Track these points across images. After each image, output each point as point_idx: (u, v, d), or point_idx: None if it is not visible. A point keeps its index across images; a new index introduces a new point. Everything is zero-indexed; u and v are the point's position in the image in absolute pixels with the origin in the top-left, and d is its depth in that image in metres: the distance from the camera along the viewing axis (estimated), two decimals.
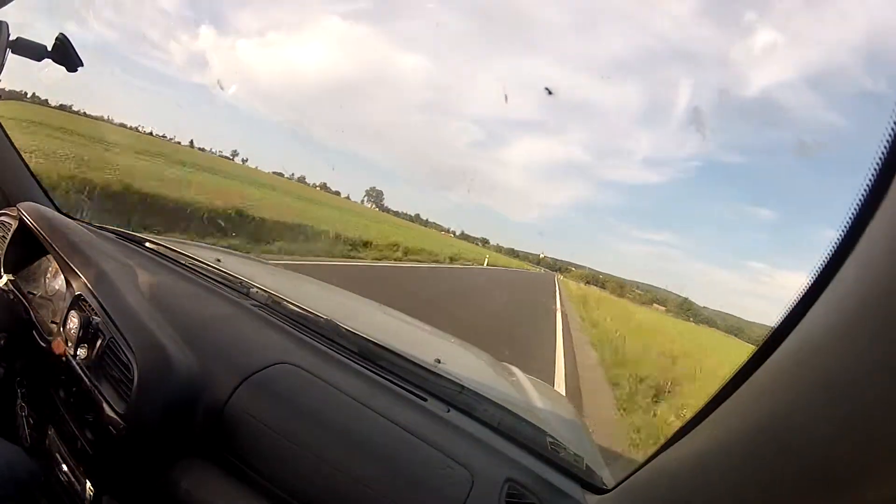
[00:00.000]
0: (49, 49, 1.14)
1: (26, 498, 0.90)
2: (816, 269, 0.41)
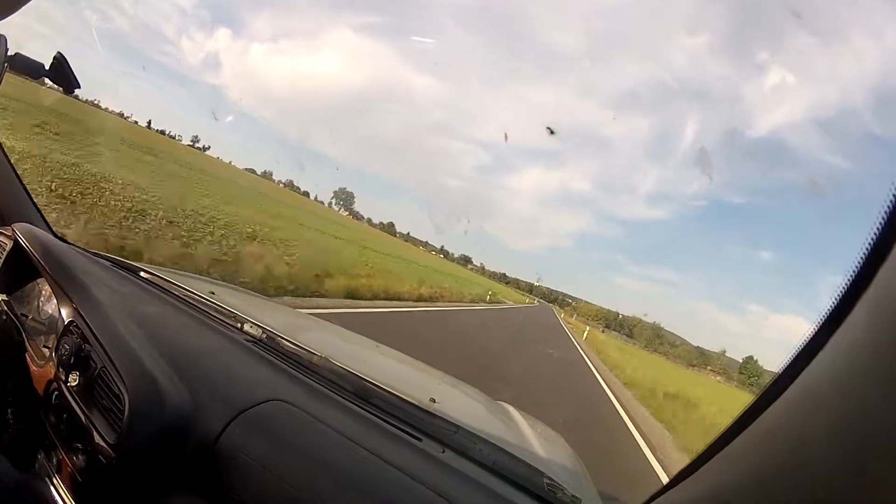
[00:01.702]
0: (47, 68, 1.13)
1: None
2: (826, 311, 0.40)
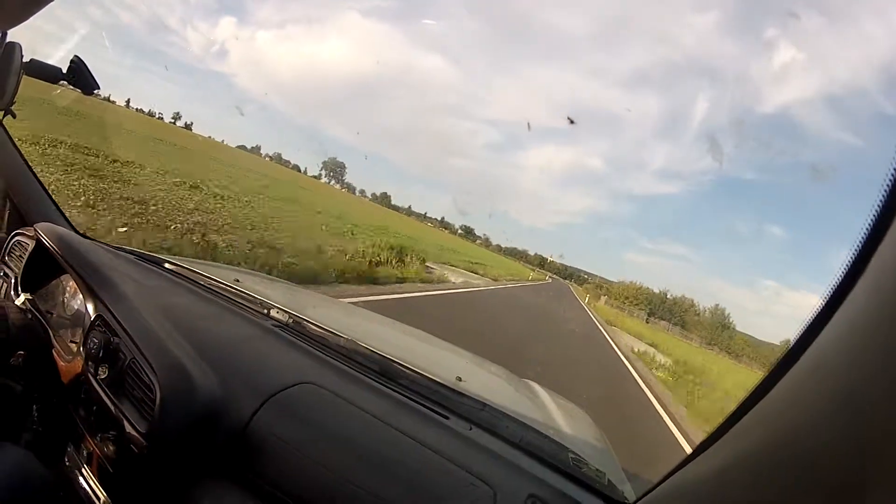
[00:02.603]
0: (64, 71, 1.16)
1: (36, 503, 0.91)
2: (831, 286, 0.41)
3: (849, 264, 0.40)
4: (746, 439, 0.47)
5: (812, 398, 0.40)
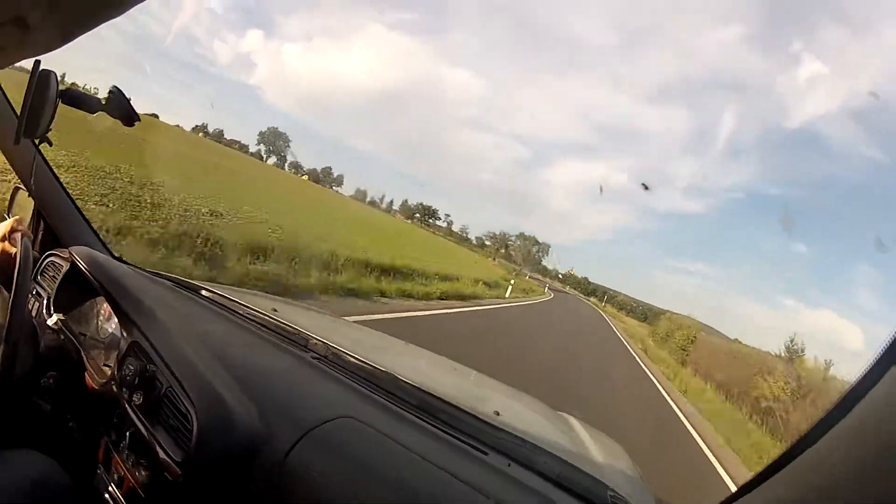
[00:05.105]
0: (102, 101, 1.14)
1: None
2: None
3: None
4: (790, 487, 0.46)
5: (859, 452, 0.39)
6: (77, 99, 1.14)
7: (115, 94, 1.13)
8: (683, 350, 17.35)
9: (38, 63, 1.13)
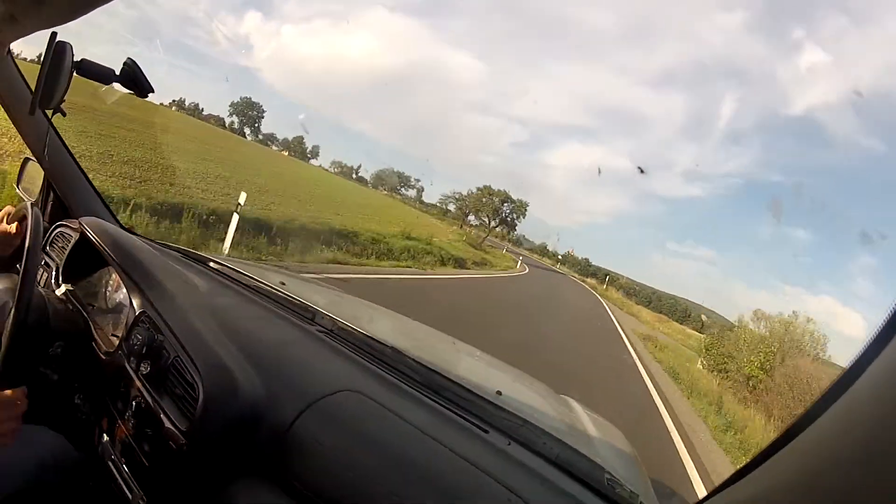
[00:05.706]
0: (117, 73, 1.15)
1: (68, 486, 0.94)
2: (878, 327, 0.39)
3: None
4: (781, 472, 0.46)
5: (880, 411, 0.38)
6: (91, 71, 1.16)
7: (130, 65, 1.13)
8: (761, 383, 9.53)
9: (54, 34, 1.15)
